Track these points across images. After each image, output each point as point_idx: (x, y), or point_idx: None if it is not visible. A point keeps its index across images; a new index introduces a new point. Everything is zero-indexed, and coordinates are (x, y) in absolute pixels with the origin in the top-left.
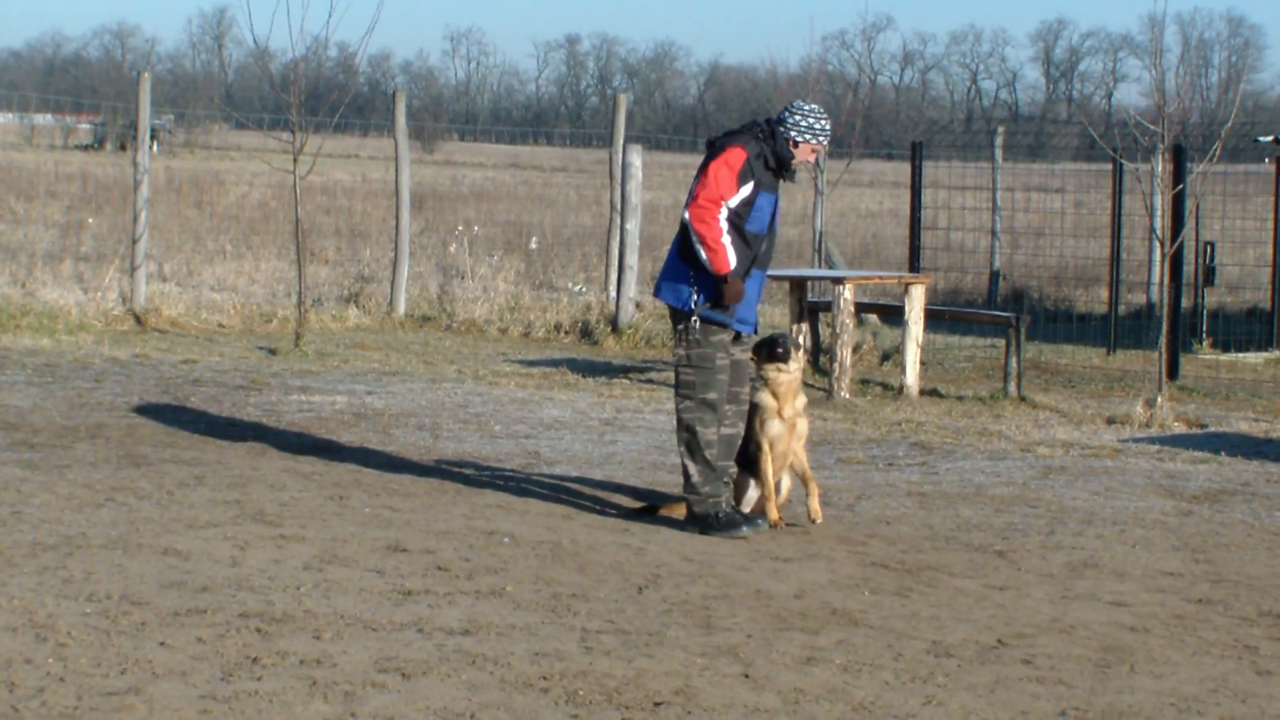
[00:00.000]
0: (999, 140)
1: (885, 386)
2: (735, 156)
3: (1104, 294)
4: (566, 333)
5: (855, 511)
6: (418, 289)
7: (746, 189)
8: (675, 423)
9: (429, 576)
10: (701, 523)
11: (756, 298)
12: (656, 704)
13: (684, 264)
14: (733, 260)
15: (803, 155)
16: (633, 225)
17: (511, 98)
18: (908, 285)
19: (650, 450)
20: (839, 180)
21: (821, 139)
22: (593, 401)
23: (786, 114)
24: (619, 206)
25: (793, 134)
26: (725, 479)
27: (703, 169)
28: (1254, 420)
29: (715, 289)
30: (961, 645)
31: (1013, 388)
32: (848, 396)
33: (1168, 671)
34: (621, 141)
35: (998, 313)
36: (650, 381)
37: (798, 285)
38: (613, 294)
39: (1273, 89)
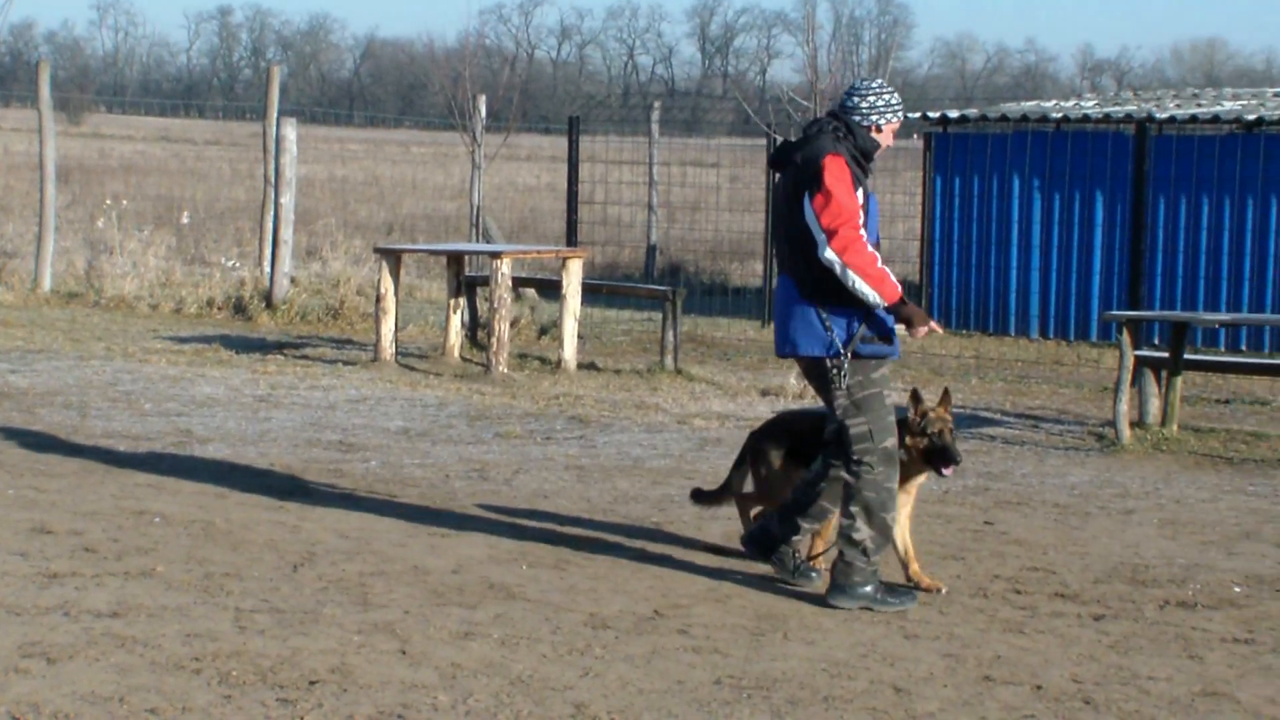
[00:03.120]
0: (655, 115)
1: (543, 361)
2: (840, 167)
3: (758, 267)
4: (220, 309)
5: (513, 486)
6: (64, 265)
7: (859, 197)
8: (847, 491)
9: (76, 558)
10: (859, 597)
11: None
12: (312, 682)
13: (809, 304)
14: (895, 282)
15: (886, 139)
16: (287, 199)
17: (162, 69)
18: (565, 259)
19: (306, 427)
20: (496, 154)
21: (900, 112)
22: (247, 378)
23: (858, 99)
24: (273, 180)
25: (873, 118)
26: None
27: (811, 192)
28: (901, 390)
29: (868, 316)
30: (619, 617)
31: (669, 361)
32: (505, 371)
33: (820, 637)
34: (275, 114)
35: (654, 287)
36: (305, 357)
37: (455, 260)
38: (267, 269)
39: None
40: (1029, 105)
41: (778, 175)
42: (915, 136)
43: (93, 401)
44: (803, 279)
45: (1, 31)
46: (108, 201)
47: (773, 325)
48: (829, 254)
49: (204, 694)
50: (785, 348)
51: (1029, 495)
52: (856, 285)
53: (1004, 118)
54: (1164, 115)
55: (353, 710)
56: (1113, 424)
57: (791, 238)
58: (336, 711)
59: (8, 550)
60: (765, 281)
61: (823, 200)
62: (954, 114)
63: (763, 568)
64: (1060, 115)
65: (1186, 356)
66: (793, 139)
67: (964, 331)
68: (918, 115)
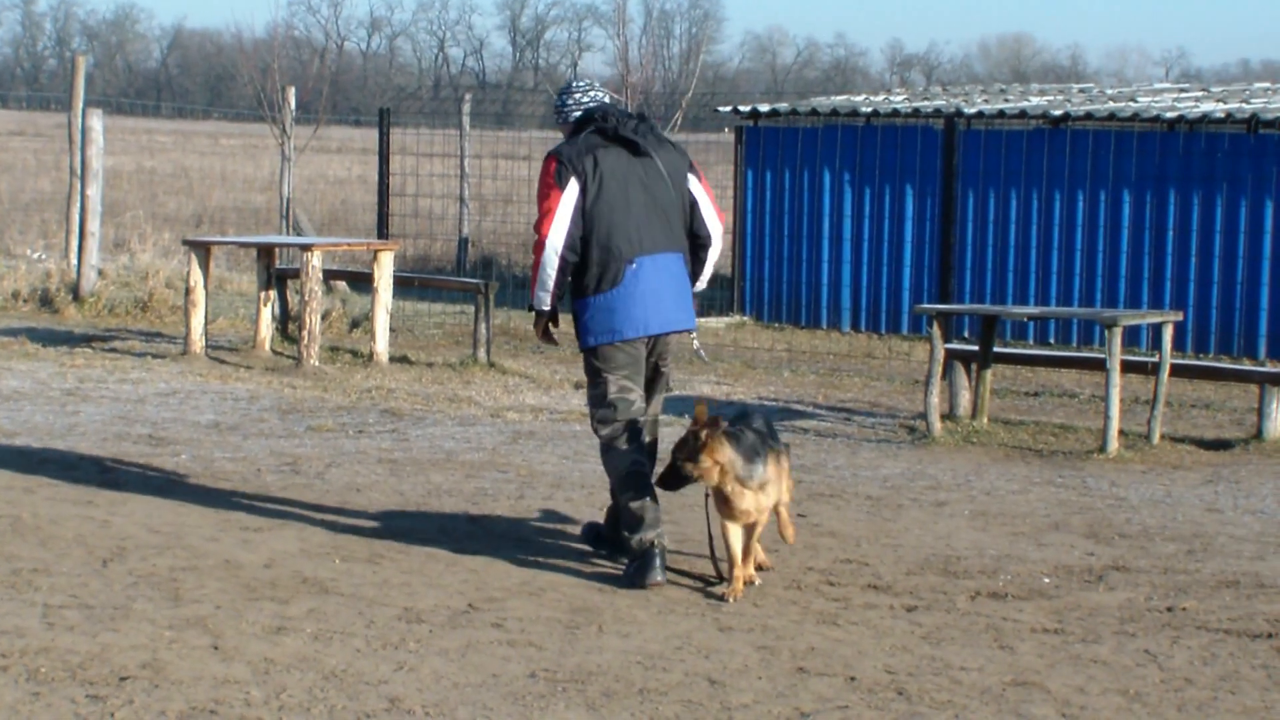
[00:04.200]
0: (466, 108)
1: (355, 354)
2: None
3: None
4: (25, 300)
5: (325, 479)
6: None
7: None
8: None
9: None
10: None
11: None
12: (123, 678)
13: (689, 280)
14: None
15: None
16: (94, 191)
17: None
18: (377, 252)
19: (115, 421)
20: (306, 146)
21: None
22: (54, 371)
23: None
24: (79, 172)
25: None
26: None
27: (697, 176)
28: (715, 383)
29: None
30: (433, 610)
31: (482, 354)
32: (317, 364)
33: (634, 630)
34: (81, 105)
35: (467, 280)
36: (114, 350)
37: (265, 252)
38: (74, 261)
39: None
40: (839, 100)
41: (608, 157)
42: (726, 131)
43: None
44: (683, 256)
45: None
46: None
47: (639, 303)
48: (721, 236)
49: (11, 691)
50: (686, 323)
51: (842, 488)
52: (717, 262)
53: (814, 112)
54: (972, 110)
55: (164, 706)
56: (924, 417)
57: (672, 218)
58: (148, 708)
59: None
60: None
61: (709, 188)
62: (765, 108)
63: (569, 560)
64: (870, 110)
65: (996, 350)
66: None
67: (776, 325)
68: (729, 109)
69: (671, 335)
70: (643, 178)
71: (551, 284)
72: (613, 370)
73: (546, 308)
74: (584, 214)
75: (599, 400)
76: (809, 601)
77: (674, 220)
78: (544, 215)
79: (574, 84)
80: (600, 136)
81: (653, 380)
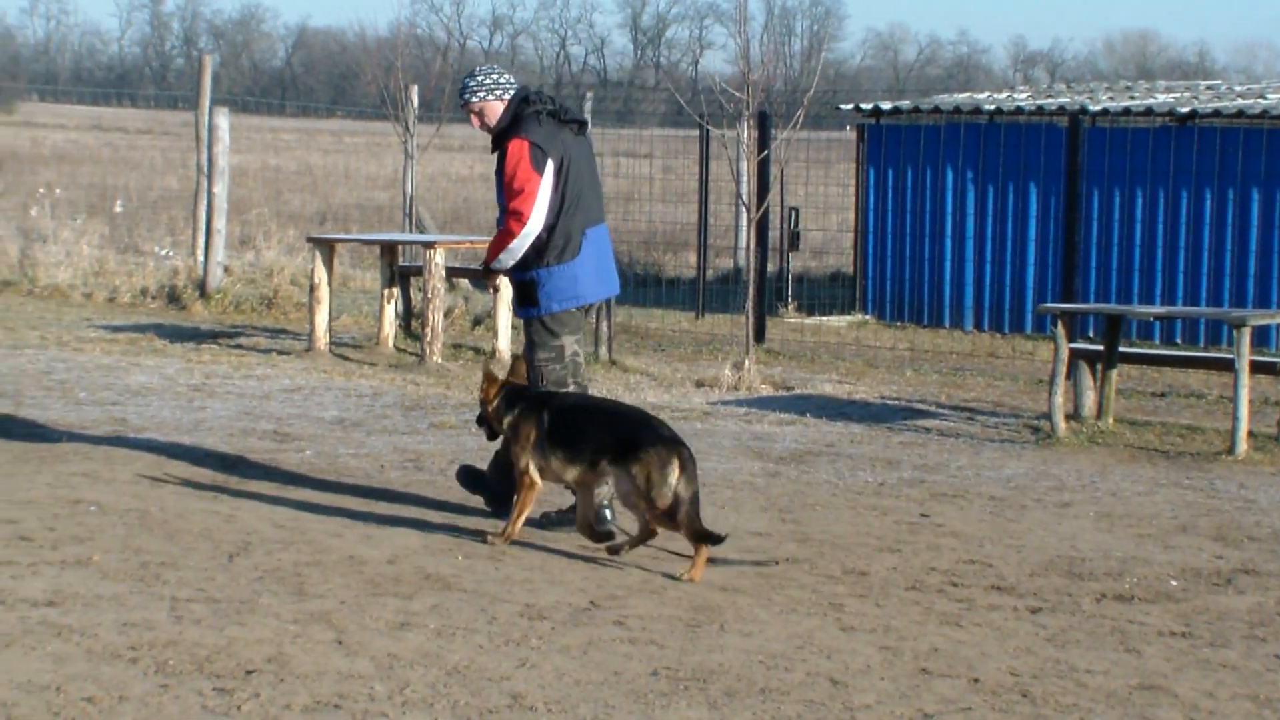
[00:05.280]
0: (588, 106)
1: (477, 351)
2: None
3: (692, 259)
4: (154, 297)
5: (448, 476)
6: None
7: None
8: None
9: (11, 547)
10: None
11: None
12: (249, 672)
13: None
14: None
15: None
16: (220, 189)
17: (94, 58)
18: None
19: (240, 416)
20: (429, 144)
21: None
22: (181, 367)
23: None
24: (206, 169)
25: None
26: None
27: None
28: (838, 382)
29: None
30: (555, 607)
31: (604, 351)
32: (440, 361)
33: (756, 629)
34: (208, 104)
35: None
36: (240, 347)
37: (389, 250)
38: (201, 258)
39: (854, 57)
40: (962, 97)
41: (565, 139)
42: (848, 128)
43: (27, 390)
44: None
45: None
46: (41, 190)
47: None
48: None
49: (140, 683)
50: (616, 287)
51: (965, 488)
52: None
53: (937, 110)
54: (1097, 108)
55: (289, 700)
56: (1048, 417)
57: (599, 192)
58: (273, 701)
59: None
60: (700, 273)
61: None
62: (887, 106)
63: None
64: (993, 108)
65: (1121, 349)
66: (709, 127)
67: (898, 324)
68: (850, 107)
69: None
70: (586, 156)
71: (519, 256)
72: (570, 333)
73: (504, 269)
74: (558, 194)
75: (556, 359)
76: (932, 602)
77: (600, 194)
78: (524, 196)
79: (482, 67)
80: (554, 120)
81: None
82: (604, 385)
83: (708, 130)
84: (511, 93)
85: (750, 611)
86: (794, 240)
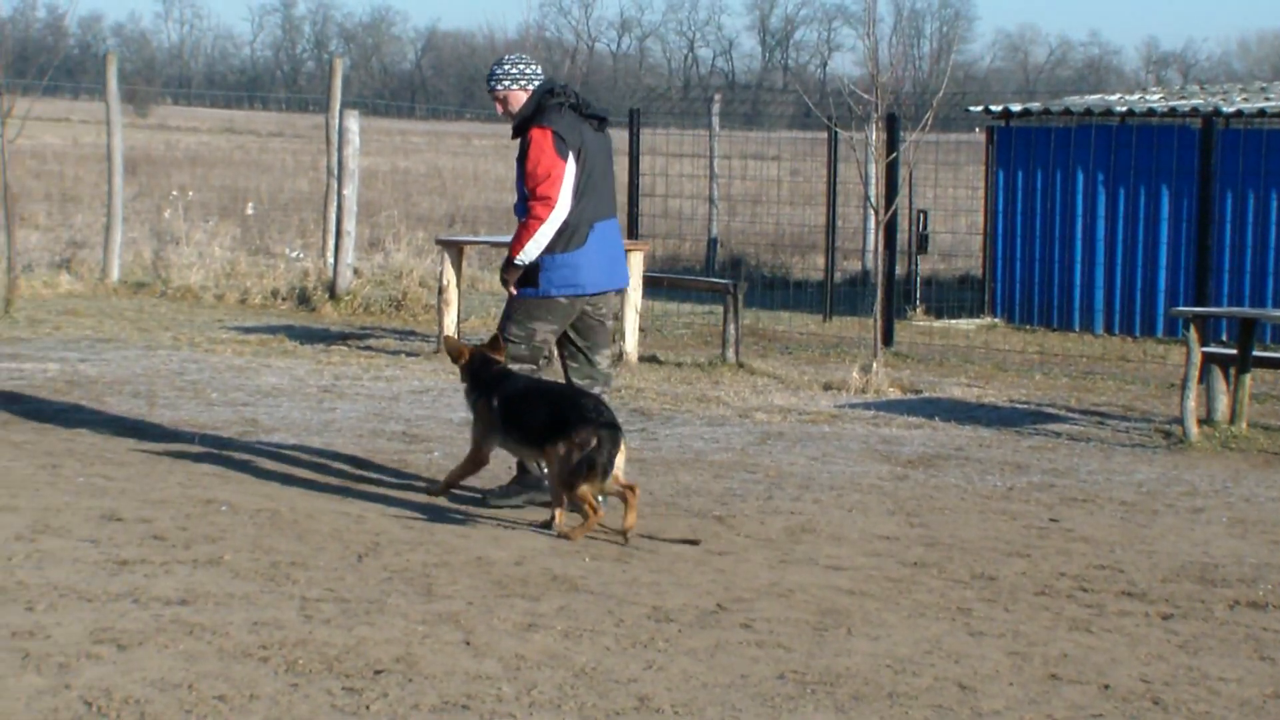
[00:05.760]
0: (716, 108)
1: None
2: None
3: (820, 261)
4: (284, 299)
5: None
6: (131, 255)
7: None
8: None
9: (145, 546)
10: None
11: None
12: (377, 672)
13: None
14: None
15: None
16: (350, 191)
17: (226, 61)
18: (626, 252)
19: (369, 418)
20: None
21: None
22: (311, 368)
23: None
24: (336, 172)
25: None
26: None
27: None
28: (966, 385)
29: None
30: (681, 610)
31: (731, 354)
32: None
33: (884, 634)
34: (338, 106)
35: (715, 280)
36: (369, 348)
37: None
38: (331, 260)
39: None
40: (1093, 99)
41: (587, 133)
42: (977, 130)
43: (160, 391)
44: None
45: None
46: (174, 192)
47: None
48: None
49: (271, 682)
50: (625, 280)
51: (1095, 492)
52: None
53: (1067, 111)
54: (1231, 109)
55: (418, 700)
56: (1180, 421)
57: (613, 187)
58: (401, 701)
59: (78, 537)
60: (827, 276)
61: None
62: (1016, 108)
63: (817, 562)
64: (1125, 109)
65: (1255, 353)
66: (838, 129)
67: (1028, 327)
68: (979, 109)
69: (612, 292)
70: (603, 151)
71: (546, 244)
72: (549, 321)
73: (529, 261)
74: (578, 184)
75: (525, 341)
76: (1061, 607)
77: (613, 190)
78: (551, 181)
79: (510, 56)
80: (575, 113)
81: (596, 331)
82: (730, 388)
83: (836, 132)
84: (536, 84)
85: (878, 615)
86: (922, 243)
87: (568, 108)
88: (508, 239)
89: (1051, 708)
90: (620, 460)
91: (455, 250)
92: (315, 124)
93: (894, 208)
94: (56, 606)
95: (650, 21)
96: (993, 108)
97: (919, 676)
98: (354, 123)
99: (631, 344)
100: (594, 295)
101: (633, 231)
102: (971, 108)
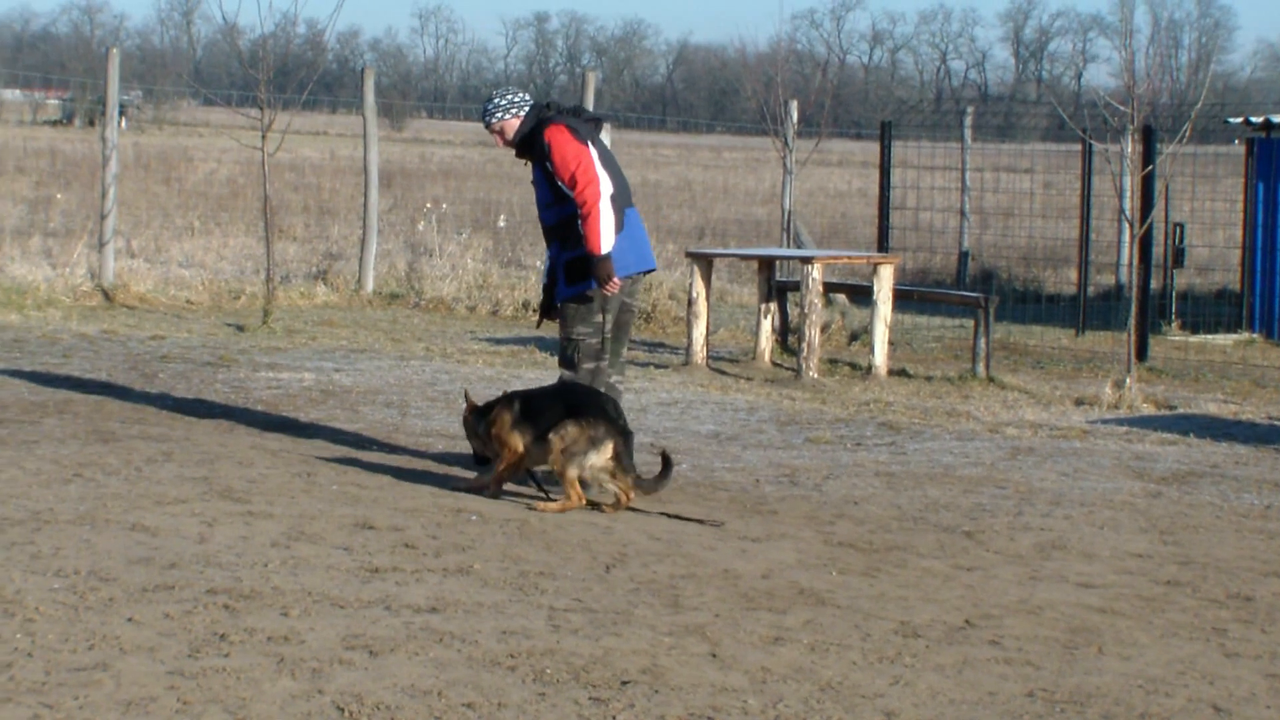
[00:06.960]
0: (968, 120)
1: (853, 366)
2: None
3: (1073, 275)
4: (535, 311)
5: (823, 491)
6: (386, 266)
7: None
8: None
9: (396, 554)
10: None
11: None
12: (624, 683)
13: None
14: None
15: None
16: None
17: (480, 75)
18: (876, 265)
19: None
20: (808, 159)
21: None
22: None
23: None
24: None
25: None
26: None
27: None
28: (1223, 402)
29: None
30: (929, 626)
31: (981, 368)
32: (816, 376)
33: (1135, 653)
34: None
35: (966, 293)
36: None
37: (766, 265)
38: None
39: (1242, 70)
40: None
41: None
42: (1236, 142)
43: (412, 401)
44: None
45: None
46: (428, 205)
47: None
48: None
49: (519, 691)
50: (653, 263)
51: None
52: None
53: None
54: None
55: (664, 711)
56: None
57: (626, 181)
58: (648, 712)
59: (332, 545)
60: (1081, 290)
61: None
62: (1277, 119)
63: (1067, 579)
64: None
65: None
66: (1093, 142)
67: None
68: (1239, 120)
69: (643, 274)
70: (609, 148)
71: (613, 222)
72: (607, 309)
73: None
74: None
75: (595, 333)
76: None
77: (626, 181)
78: (585, 166)
79: (498, 90)
80: (575, 117)
81: (627, 328)
82: (980, 402)
83: (1091, 145)
84: (527, 108)
85: (1129, 634)
86: (1178, 257)
87: (566, 113)
88: (759, 251)
89: None
90: (606, 458)
91: (705, 263)
92: None
93: (1149, 221)
94: (310, 612)
95: (902, 34)
96: (1253, 119)
97: (1171, 697)
98: (606, 135)
99: (881, 357)
100: (634, 275)
101: (883, 244)
102: (1230, 119)
